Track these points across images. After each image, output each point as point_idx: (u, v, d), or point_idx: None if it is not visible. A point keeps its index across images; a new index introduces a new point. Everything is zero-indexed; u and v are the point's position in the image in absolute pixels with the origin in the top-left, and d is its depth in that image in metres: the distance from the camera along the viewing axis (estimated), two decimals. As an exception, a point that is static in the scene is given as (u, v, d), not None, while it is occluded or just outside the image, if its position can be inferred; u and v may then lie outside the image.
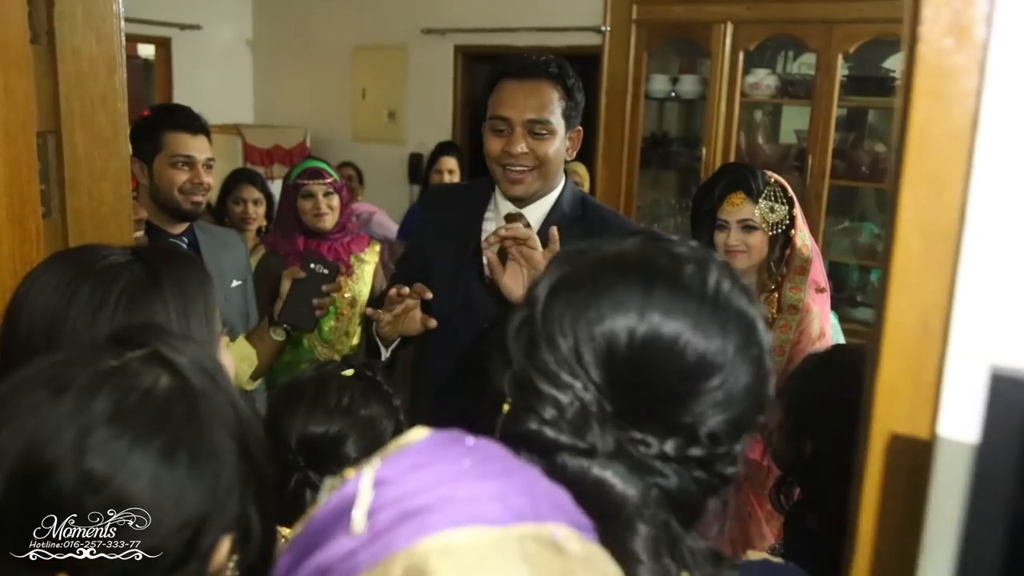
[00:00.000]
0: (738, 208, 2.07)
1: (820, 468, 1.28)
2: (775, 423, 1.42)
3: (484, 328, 1.81)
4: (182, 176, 2.27)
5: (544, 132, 1.73)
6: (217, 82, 5.71)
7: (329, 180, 2.98)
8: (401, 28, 5.27)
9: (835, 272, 4.05)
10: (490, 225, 1.84)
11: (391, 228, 4.39)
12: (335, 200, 2.99)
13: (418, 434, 0.57)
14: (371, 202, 4.74)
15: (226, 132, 5.45)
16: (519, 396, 0.72)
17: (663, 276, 0.72)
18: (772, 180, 2.11)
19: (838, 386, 1.20)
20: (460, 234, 1.88)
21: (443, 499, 0.50)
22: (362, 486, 0.52)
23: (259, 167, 4.94)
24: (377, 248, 3.22)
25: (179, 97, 5.41)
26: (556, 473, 0.66)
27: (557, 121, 1.74)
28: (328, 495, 0.54)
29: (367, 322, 1.87)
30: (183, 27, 5.49)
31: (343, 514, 0.51)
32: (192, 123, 2.33)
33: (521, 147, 1.72)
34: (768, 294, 2.14)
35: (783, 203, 2.09)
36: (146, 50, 6.26)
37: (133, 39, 5.78)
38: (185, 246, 2.32)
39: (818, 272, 2.18)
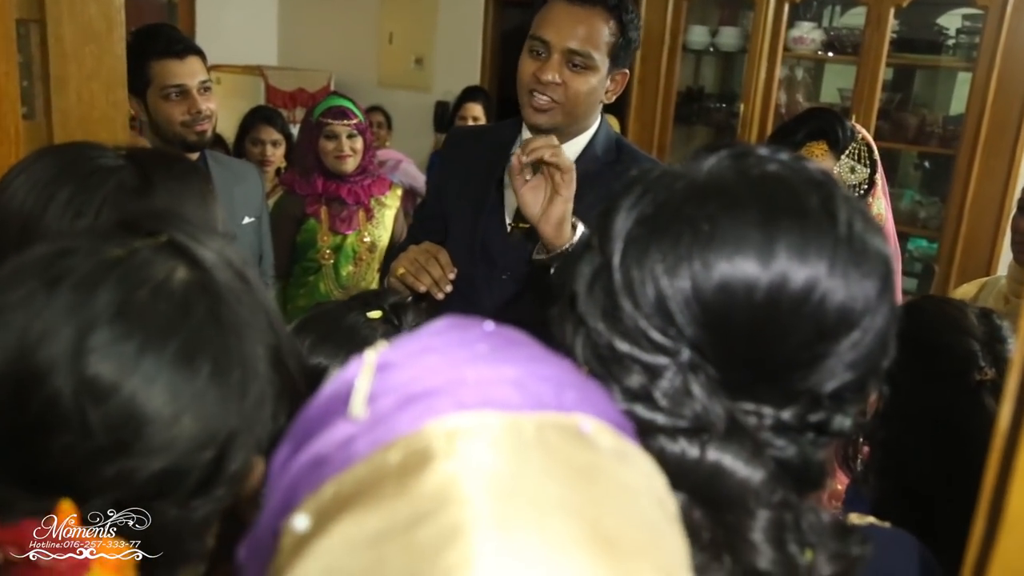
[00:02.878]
0: (818, 160, 1.89)
1: (898, 422, 1.12)
2: None
3: (503, 280, 1.69)
4: (178, 108, 2.10)
5: (583, 66, 1.55)
6: (241, 22, 5.56)
7: (354, 121, 2.86)
8: (431, -30, 5.09)
9: (873, 238, 3.88)
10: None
11: (419, 178, 4.25)
12: (359, 142, 2.87)
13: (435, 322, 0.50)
14: (396, 150, 4.61)
15: (249, 73, 5.32)
16: (598, 364, 0.60)
17: (785, 210, 0.58)
18: (860, 137, 1.91)
19: (915, 334, 1.05)
20: (482, 177, 1.72)
21: (452, 382, 0.43)
22: (363, 370, 0.45)
23: (282, 110, 4.82)
24: (399, 192, 3.09)
25: (201, 37, 5.25)
26: (653, 460, 0.55)
27: (601, 57, 1.56)
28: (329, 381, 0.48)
29: (386, 268, 1.74)
30: (208, -37, 5.33)
31: (342, 400, 0.45)
32: (176, 46, 2.12)
33: (554, 76, 1.54)
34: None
35: (866, 165, 1.91)
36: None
37: (157, -25, 5.65)
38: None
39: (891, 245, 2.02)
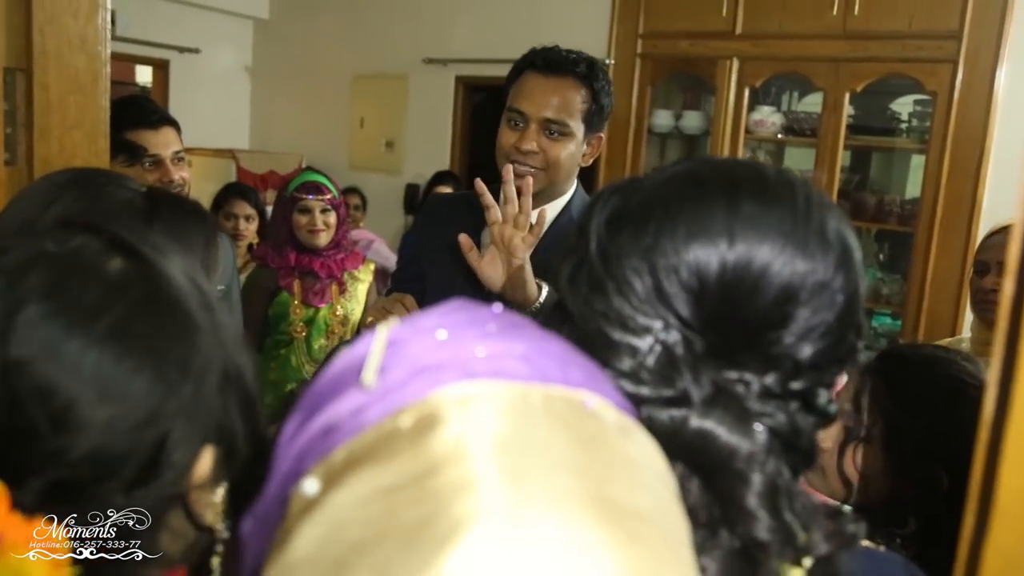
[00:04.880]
0: None
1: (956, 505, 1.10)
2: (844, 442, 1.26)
3: None
4: (151, 177, 2.07)
5: (559, 133, 1.60)
6: (214, 106, 5.65)
7: (328, 196, 2.87)
8: (402, 57, 5.23)
9: (838, 314, 3.95)
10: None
11: (391, 257, 4.28)
12: (332, 217, 2.88)
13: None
14: (368, 230, 4.64)
15: (220, 156, 5.37)
16: (586, 353, 0.61)
17: (747, 188, 0.62)
18: None
19: (967, 411, 1.05)
20: (456, 237, 1.73)
21: (462, 355, 0.44)
22: (375, 344, 0.46)
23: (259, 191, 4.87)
24: (372, 267, 3.10)
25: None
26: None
27: (576, 124, 1.61)
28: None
29: None
30: (182, 50, 5.43)
31: (353, 372, 0.46)
32: (151, 117, 2.12)
33: (532, 145, 1.59)
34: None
35: None
36: (143, 75, 6.22)
37: (131, 60, 5.74)
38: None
39: None
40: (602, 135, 1.70)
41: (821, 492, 1.30)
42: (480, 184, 1.56)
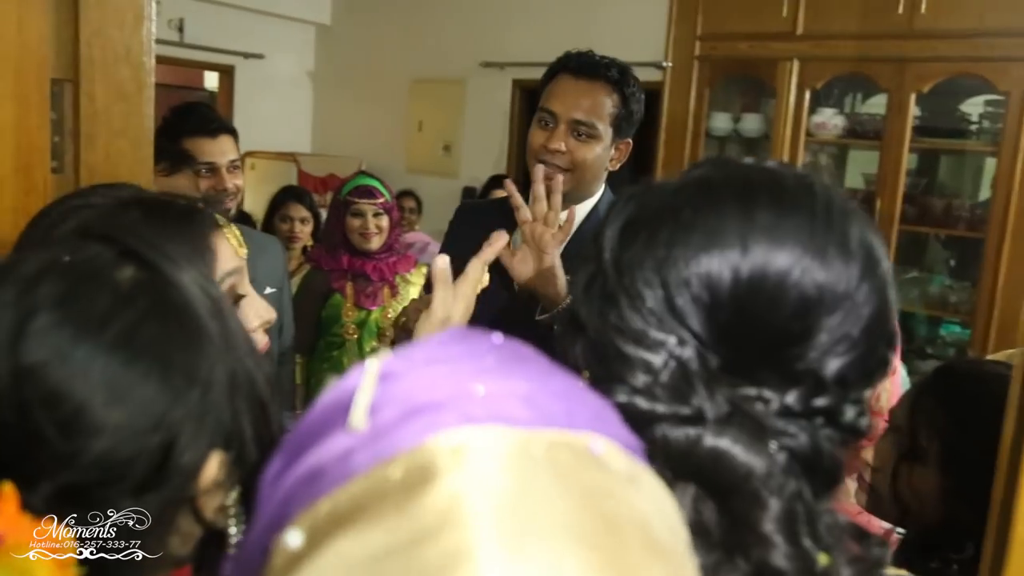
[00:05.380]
0: None
1: None
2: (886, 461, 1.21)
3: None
4: (206, 184, 2.14)
5: (587, 135, 1.64)
6: (277, 111, 5.76)
7: (380, 200, 2.91)
8: (460, 61, 5.26)
9: (903, 322, 3.81)
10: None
11: (443, 259, 4.30)
12: (384, 220, 2.91)
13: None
14: (424, 233, 4.68)
15: (282, 159, 5.48)
16: (599, 366, 0.60)
17: (762, 194, 0.59)
18: None
19: None
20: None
21: (459, 395, 0.41)
22: (364, 379, 0.43)
23: (313, 194, 4.94)
24: (424, 270, 3.12)
25: (239, 124, 5.44)
26: (657, 448, 0.55)
27: (604, 127, 1.65)
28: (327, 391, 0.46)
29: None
30: (247, 56, 5.56)
31: (341, 410, 0.42)
32: (210, 124, 2.19)
33: (560, 145, 1.63)
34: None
35: None
36: (211, 81, 6.38)
37: (199, 66, 5.90)
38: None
39: None
40: (630, 140, 1.73)
41: (875, 514, 1.25)
42: (510, 184, 1.58)
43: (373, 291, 2.95)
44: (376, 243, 2.91)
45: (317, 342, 2.95)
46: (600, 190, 1.76)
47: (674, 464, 0.55)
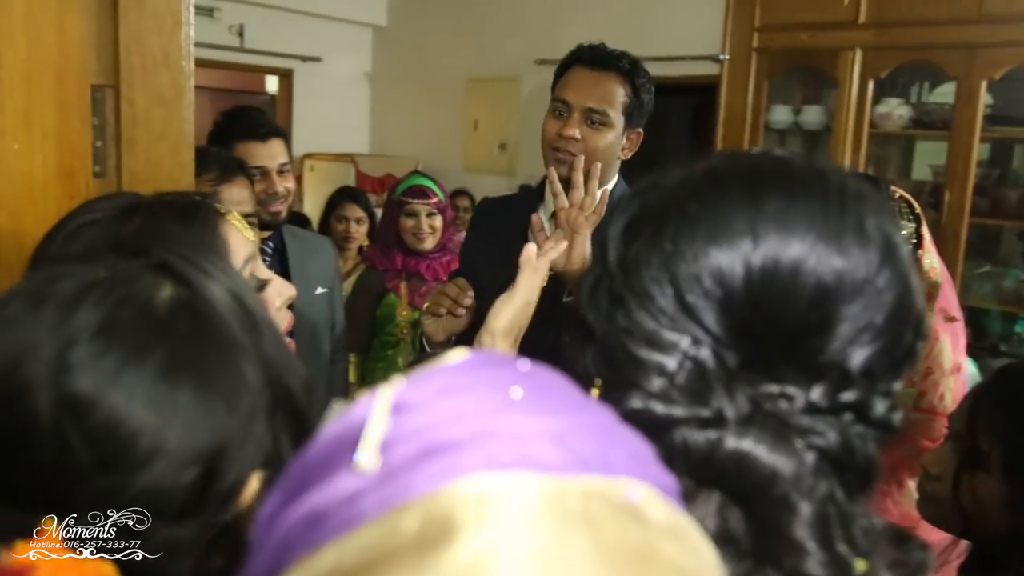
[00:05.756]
0: None
1: None
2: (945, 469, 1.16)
3: (535, 325, 1.73)
4: (256, 187, 2.13)
5: (600, 123, 1.71)
6: (335, 112, 5.83)
7: (434, 200, 2.91)
8: (515, 59, 5.24)
9: (975, 319, 3.69)
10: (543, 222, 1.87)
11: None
12: (438, 220, 2.92)
13: (457, 355, 0.43)
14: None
15: (340, 160, 5.54)
16: (611, 372, 0.58)
17: (771, 181, 0.57)
18: (897, 195, 1.89)
19: None
20: (510, 238, 1.83)
21: (481, 434, 0.37)
22: (375, 411, 0.38)
23: (370, 194, 4.99)
24: (476, 269, 3.12)
25: (298, 127, 5.55)
26: (676, 454, 0.52)
27: (616, 115, 1.72)
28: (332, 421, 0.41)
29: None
30: (305, 59, 5.64)
31: (348, 445, 0.38)
32: (260, 129, 2.21)
33: (574, 132, 1.69)
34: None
35: (909, 220, 1.86)
36: (271, 85, 6.49)
37: (259, 71, 6.01)
38: (270, 250, 2.25)
39: (948, 300, 1.92)
40: (640, 131, 1.79)
41: (936, 525, 1.20)
42: (552, 171, 1.65)
43: (427, 290, 2.96)
44: (430, 243, 2.92)
45: (372, 341, 2.97)
46: (614, 178, 1.81)
47: (696, 470, 0.52)
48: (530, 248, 1.23)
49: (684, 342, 0.55)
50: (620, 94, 1.71)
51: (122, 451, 0.56)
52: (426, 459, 0.36)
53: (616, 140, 1.73)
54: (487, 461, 0.35)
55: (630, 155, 1.81)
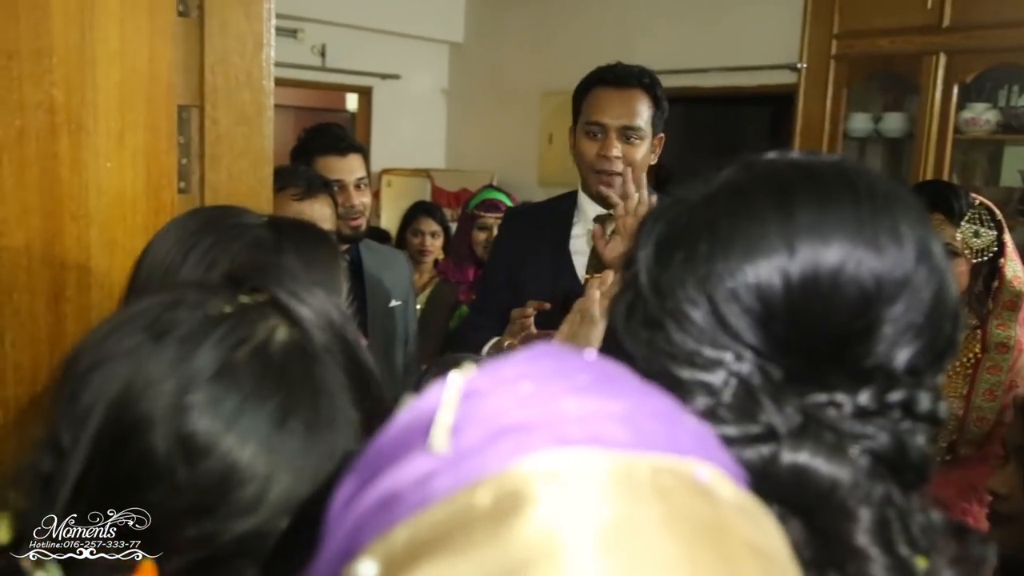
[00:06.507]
0: (935, 231, 1.80)
1: None
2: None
3: None
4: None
5: (636, 138, 1.84)
6: (412, 128, 5.94)
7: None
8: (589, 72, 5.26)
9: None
10: (578, 230, 1.96)
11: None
12: (509, 233, 2.96)
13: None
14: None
15: (417, 175, 5.64)
16: None
17: (800, 191, 0.57)
18: (977, 202, 1.85)
19: None
20: (550, 244, 1.96)
21: (550, 415, 0.37)
22: (446, 397, 0.39)
23: (445, 209, 5.07)
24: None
25: (376, 143, 5.67)
26: None
27: (647, 127, 1.85)
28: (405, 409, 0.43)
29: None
30: (384, 77, 5.76)
31: (420, 431, 0.39)
32: (339, 144, 2.29)
33: (616, 151, 1.82)
34: (970, 331, 1.85)
35: (990, 227, 1.81)
36: (351, 103, 6.66)
37: (340, 89, 6.17)
38: (347, 264, 2.31)
39: None
40: (663, 135, 1.93)
41: (1013, 548, 1.17)
42: (604, 191, 1.84)
43: (498, 302, 3.00)
44: (501, 256, 2.96)
45: (445, 353, 3.02)
46: (643, 184, 1.95)
47: (751, 487, 0.53)
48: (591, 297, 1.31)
49: (727, 358, 0.55)
50: (646, 107, 1.86)
51: (229, 497, 0.56)
52: (496, 440, 0.36)
53: (648, 150, 1.88)
54: (557, 439, 0.36)
55: (656, 159, 1.95)
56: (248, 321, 0.61)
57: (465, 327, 2.20)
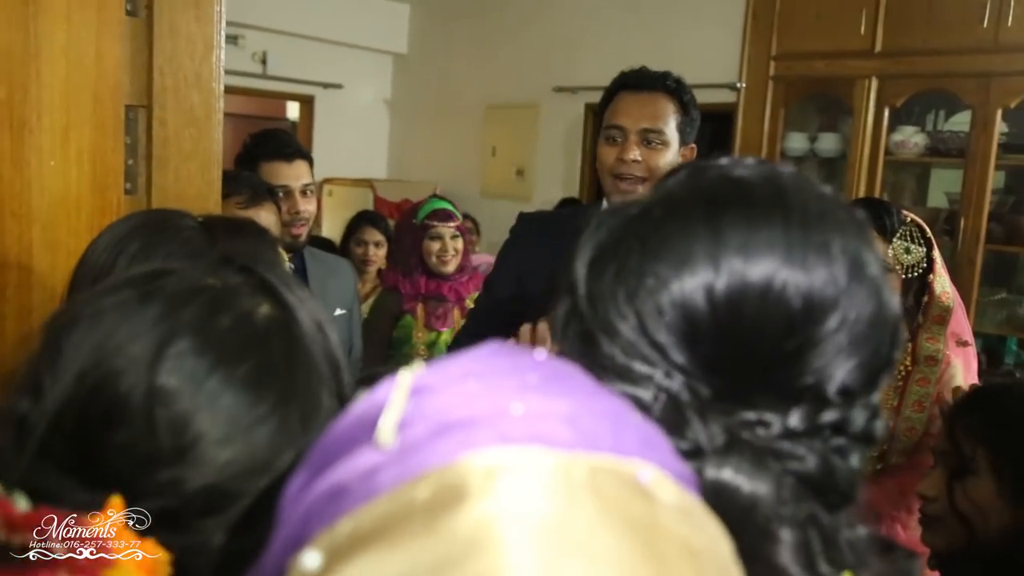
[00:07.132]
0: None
1: None
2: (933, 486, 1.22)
3: None
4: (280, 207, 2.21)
5: (658, 142, 1.70)
6: (355, 138, 5.91)
7: (456, 223, 2.98)
8: (533, 87, 5.31)
9: (990, 346, 3.68)
10: None
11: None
12: (460, 242, 2.97)
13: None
14: (490, 255, 4.72)
15: (359, 185, 5.61)
16: None
17: (731, 206, 0.55)
18: (908, 219, 1.91)
19: None
20: (557, 250, 1.83)
21: (495, 413, 0.38)
22: (395, 392, 0.40)
23: (389, 219, 5.04)
24: (491, 292, 3.15)
25: (318, 152, 5.59)
26: None
27: (671, 133, 1.71)
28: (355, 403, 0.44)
29: None
30: (326, 86, 5.73)
31: (368, 425, 0.39)
32: (286, 149, 2.24)
33: (635, 154, 1.69)
34: (900, 344, 1.92)
35: (920, 244, 1.88)
36: (292, 112, 6.59)
37: (281, 97, 6.10)
38: (292, 271, 2.29)
39: (960, 324, 1.94)
40: (694, 146, 1.78)
41: (940, 547, 1.23)
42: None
43: (444, 312, 3.00)
44: (453, 265, 2.96)
45: (388, 362, 3.00)
46: None
47: None
48: None
49: (657, 374, 0.54)
50: (671, 111, 1.71)
51: (194, 446, 0.58)
52: (441, 435, 0.37)
53: (673, 159, 1.72)
54: (499, 437, 0.37)
55: None
56: (234, 293, 0.64)
57: (464, 336, 2.04)
